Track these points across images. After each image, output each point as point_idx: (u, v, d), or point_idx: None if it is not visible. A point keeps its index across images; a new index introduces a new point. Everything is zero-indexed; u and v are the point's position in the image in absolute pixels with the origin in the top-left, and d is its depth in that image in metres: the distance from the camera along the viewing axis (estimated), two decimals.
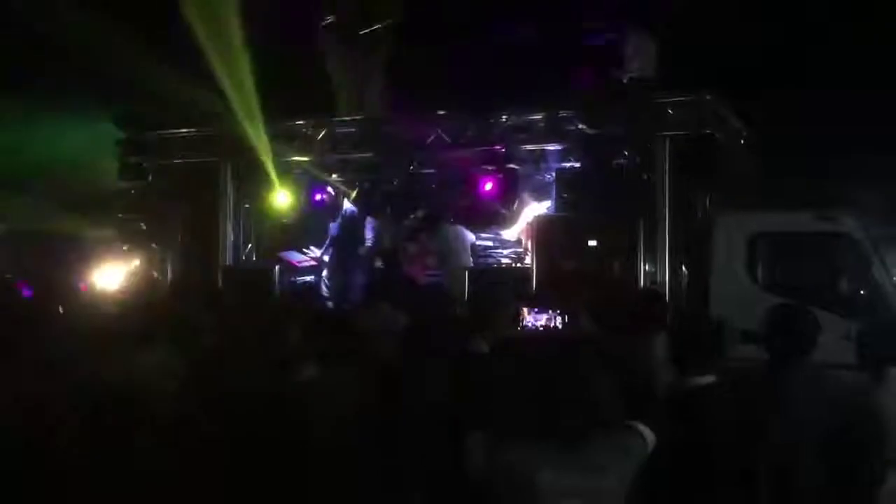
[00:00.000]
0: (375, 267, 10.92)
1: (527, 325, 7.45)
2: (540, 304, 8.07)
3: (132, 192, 11.69)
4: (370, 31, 11.45)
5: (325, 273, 11.13)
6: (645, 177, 9.05)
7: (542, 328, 7.56)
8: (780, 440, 3.70)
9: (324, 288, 10.97)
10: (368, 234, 11.21)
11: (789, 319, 4.12)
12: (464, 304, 8.17)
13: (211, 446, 4.09)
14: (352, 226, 11.11)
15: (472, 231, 10.70)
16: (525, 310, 7.79)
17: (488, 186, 10.04)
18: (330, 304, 10.17)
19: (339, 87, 11.51)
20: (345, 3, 11.67)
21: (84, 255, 11.89)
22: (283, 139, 10.63)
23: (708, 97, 8.83)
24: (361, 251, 11.10)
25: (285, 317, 6.04)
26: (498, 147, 9.82)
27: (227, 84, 9.67)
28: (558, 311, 7.48)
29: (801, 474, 3.67)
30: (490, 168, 9.97)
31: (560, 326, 7.62)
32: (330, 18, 11.52)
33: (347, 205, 11.14)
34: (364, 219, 11.20)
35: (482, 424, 2.97)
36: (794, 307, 4.33)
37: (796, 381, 3.88)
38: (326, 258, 11.21)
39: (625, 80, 9.54)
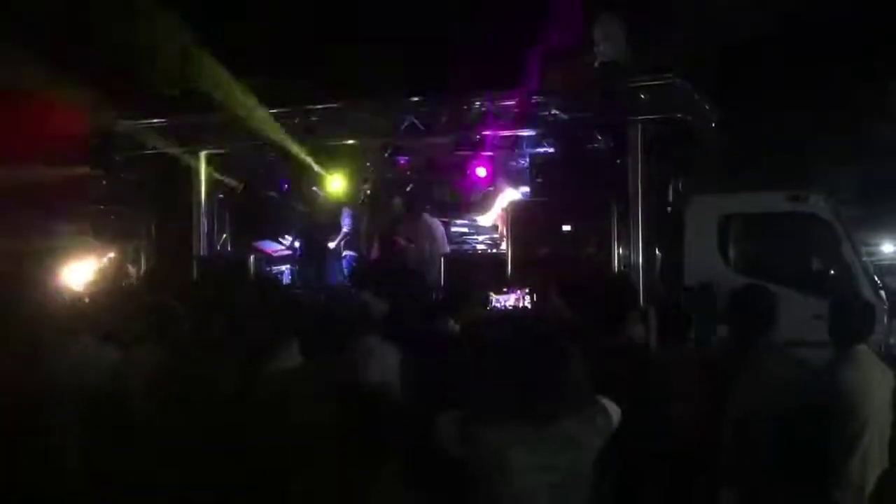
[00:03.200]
0: (355, 254, 10.92)
1: (495, 306, 7.53)
2: (514, 288, 8.16)
3: (104, 182, 11.58)
4: None
5: (298, 261, 11.11)
6: (618, 161, 9.10)
7: (510, 308, 7.65)
8: (742, 417, 3.79)
9: (298, 276, 10.95)
10: (346, 222, 11.20)
11: (749, 299, 4.20)
12: (440, 290, 8.24)
13: (190, 438, 4.10)
14: (326, 214, 11.09)
15: (447, 218, 10.72)
16: (497, 292, 7.88)
17: (464, 173, 10.07)
18: (304, 292, 10.16)
19: None
20: None
21: (56, 248, 11.74)
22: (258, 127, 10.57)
23: (679, 81, 8.89)
24: (336, 239, 11.08)
25: (262, 306, 6.05)
26: (472, 133, 9.84)
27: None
28: (527, 292, 7.55)
29: (764, 451, 3.75)
30: (465, 154, 10.00)
31: (529, 307, 7.72)
32: None
33: (322, 193, 11.12)
34: (339, 207, 11.18)
35: (456, 404, 3.01)
36: (753, 287, 4.40)
37: (758, 359, 3.96)
38: (297, 245, 11.20)
39: (596, 65, 9.58)
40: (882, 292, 7.69)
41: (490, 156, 10.09)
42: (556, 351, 2.93)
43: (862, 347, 4.05)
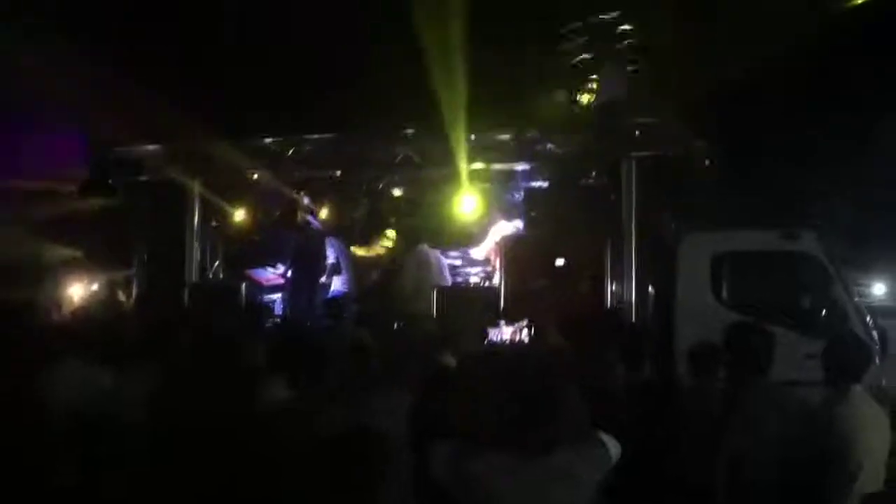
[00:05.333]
0: (344, 291, 10.86)
1: (492, 340, 7.53)
2: (507, 321, 8.16)
3: (99, 207, 11.54)
4: None
5: (289, 291, 11.05)
6: (612, 197, 9.14)
7: (507, 342, 7.65)
8: (736, 455, 3.77)
9: (289, 306, 10.89)
10: (329, 254, 11.14)
11: (744, 337, 4.20)
12: (433, 321, 8.21)
13: (181, 466, 4.05)
14: (316, 244, 11.05)
15: (441, 250, 10.72)
16: (490, 325, 7.88)
17: (458, 206, 10.09)
18: (292, 322, 10.09)
19: None
20: None
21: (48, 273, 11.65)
22: (252, 156, 10.58)
23: (673, 118, 8.96)
24: (324, 270, 11.02)
25: (254, 335, 6.01)
26: (469, 166, 9.87)
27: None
28: (524, 325, 7.55)
29: (760, 489, 3.72)
30: (463, 186, 10.04)
31: (526, 340, 7.72)
32: None
33: (313, 223, 11.10)
34: (327, 237, 11.14)
35: (450, 436, 2.99)
36: (749, 325, 4.41)
37: (753, 397, 3.95)
38: (289, 274, 11.15)
39: (594, 102, 9.64)
40: (874, 333, 7.69)
41: (485, 188, 10.12)
42: (551, 384, 2.91)
43: (857, 388, 4.05)
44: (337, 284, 11.03)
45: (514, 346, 7.50)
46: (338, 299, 9.73)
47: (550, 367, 3.07)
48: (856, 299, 8.07)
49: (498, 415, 2.86)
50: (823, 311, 7.79)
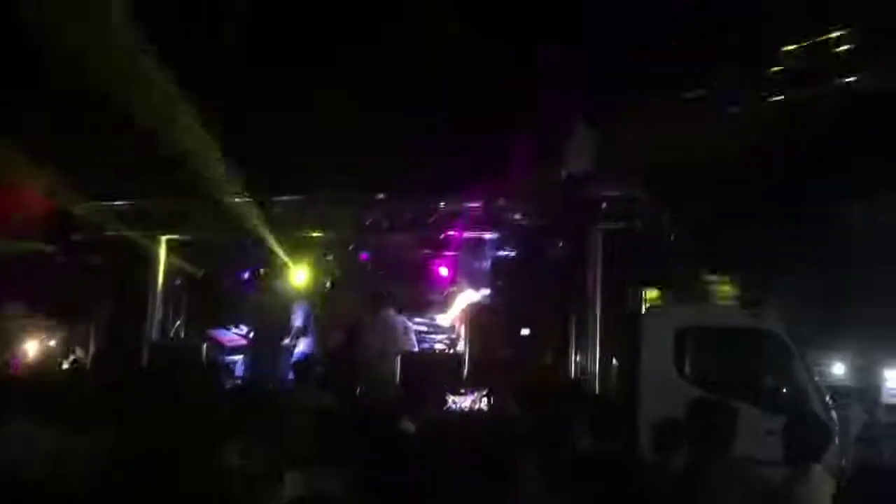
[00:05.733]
0: (307, 352, 10.74)
1: (451, 408, 7.49)
2: (470, 389, 8.12)
3: (60, 262, 11.38)
4: None
5: (251, 352, 10.91)
6: (577, 268, 9.21)
7: (468, 410, 7.62)
8: None
9: (250, 367, 10.73)
10: (297, 317, 11.05)
11: (706, 412, 4.21)
12: (395, 387, 8.14)
13: None
14: (281, 306, 10.96)
15: (408, 315, 10.67)
16: (453, 392, 7.84)
17: (426, 271, 10.12)
18: (253, 384, 9.92)
19: None
20: None
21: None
22: (219, 216, 10.53)
23: (640, 192, 9.11)
24: (290, 332, 10.92)
25: (213, 397, 5.91)
26: (436, 233, 9.92)
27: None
28: (484, 394, 7.52)
29: None
30: (431, 253, 10.07)
31: (485, 408, 7.68)
32: None
33: (281, 284, 11.03)
34: (294, 299, 11.06)
35: (407, 502, 2.95)
36: (711, 400, 4.43)
37: (716, 471, 3.93)
38: (252, 335, 11.02)
39: (563, 174, 9.77)
40: (833, 413, 7.73)
41: (453, 256, 10.16)
42: (508, 454, 2.90)
43: (817, 467, 4.05)
44: (301, 346, 10.92)
45: (474, 414, 7.45)
46: (302, 362, 9.62)
47: (509, 436, 3.06)
48: (816, 378, 8.13)
49: (455, 482, 2.83)
50: (784, 389, 7.81)
